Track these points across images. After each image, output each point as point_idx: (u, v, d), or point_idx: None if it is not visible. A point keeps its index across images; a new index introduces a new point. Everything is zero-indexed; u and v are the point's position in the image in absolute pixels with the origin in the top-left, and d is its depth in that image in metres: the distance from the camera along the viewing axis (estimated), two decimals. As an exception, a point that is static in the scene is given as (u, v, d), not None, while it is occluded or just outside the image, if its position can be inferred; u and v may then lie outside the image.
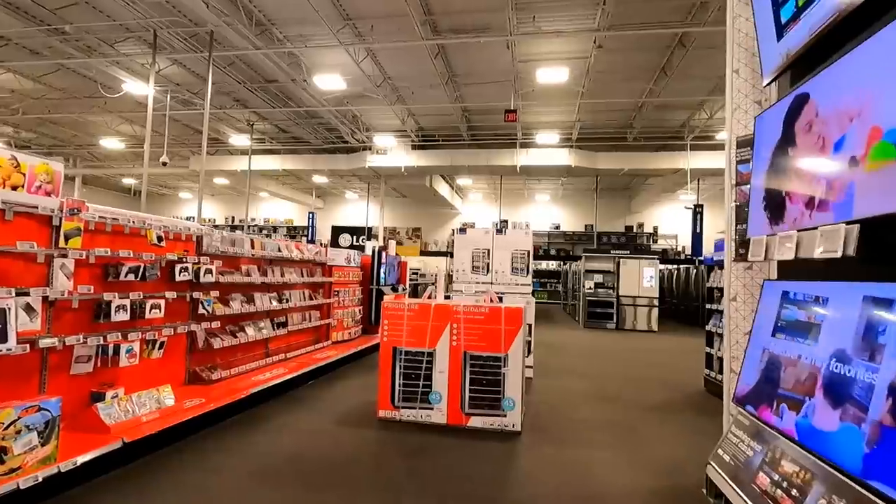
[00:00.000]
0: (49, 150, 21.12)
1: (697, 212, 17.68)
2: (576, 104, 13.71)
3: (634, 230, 23.77)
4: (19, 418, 2.54)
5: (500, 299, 5.62)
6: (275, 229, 25.79)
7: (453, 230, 25.43)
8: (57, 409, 2.73)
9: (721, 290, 5.87)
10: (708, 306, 6.06)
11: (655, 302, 13.36)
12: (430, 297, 4.99)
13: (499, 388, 4.18)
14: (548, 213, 25.05)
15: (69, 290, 3.12)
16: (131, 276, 3.69)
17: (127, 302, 3.61)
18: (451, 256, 22.74)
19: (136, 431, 3.26)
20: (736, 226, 3.53)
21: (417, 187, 19.89)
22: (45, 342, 2.95)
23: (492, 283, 7.29)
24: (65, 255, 3.13)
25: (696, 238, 17.96)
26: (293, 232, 25.60)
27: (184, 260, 4.23)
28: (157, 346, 3.91)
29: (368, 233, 23.50)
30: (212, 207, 27.52)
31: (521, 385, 4.20)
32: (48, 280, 3.13)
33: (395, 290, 9.62)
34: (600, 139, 16.61)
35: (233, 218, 26.77)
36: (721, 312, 5.71)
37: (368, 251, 9.20)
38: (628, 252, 14.69)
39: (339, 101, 13.98)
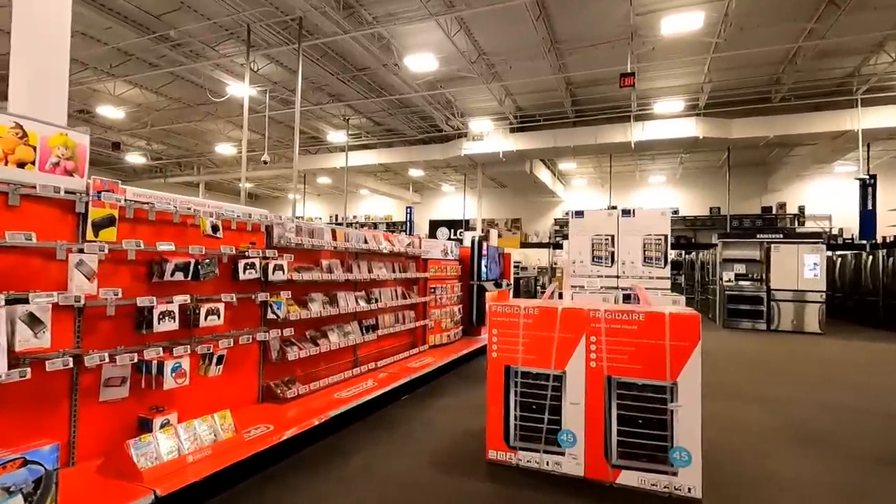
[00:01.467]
0: (178, 160, 23.25)
1: (868, 184, 14.21)
2: (706, 61, 11.44)
3: (774, 211, 20.11)
4: (-7, 478, 1.82)
5: (629, 297, 4.23)
6: (375, 225, 26.01)
7: (555, 220, 23.71)
8: (53, 461, 1.99)
9: None
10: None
11: (821, 297, 10.72)
12: (551, 297, 3.78)
13: (664, 433, 2.85)
14: (663, 196, 22.21)
15: (87, 293, 2.41)
16: (179, 275, 2.98)
17: (174, 307, 2.90)
18: (555, 248, 21.14)
19: (177, 478, 2.50)
20: None
21: (516, 175, 18.55)
22: (53, 364, 2.26)
23: (618, 277, 5.85)
24: (82, 250, 2.43)
25: (867, 217, 14.49)
26: (392, 227, 25.62)
27: (247, 255, 3.48)
28: (215, 360, 3.18)
29: (466, 225, 22.63)
30: (317, 206, 28.60)
31: (701, 428, 2.83)
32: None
33: (498, 285, 8.49)
34: (735, 103, 13.90)
35: (336, 216, 27.53)
36: None
37: (467, 243, 8.16)
38: (781, 236, 12.01)
39: (431, 84, 13.14)
